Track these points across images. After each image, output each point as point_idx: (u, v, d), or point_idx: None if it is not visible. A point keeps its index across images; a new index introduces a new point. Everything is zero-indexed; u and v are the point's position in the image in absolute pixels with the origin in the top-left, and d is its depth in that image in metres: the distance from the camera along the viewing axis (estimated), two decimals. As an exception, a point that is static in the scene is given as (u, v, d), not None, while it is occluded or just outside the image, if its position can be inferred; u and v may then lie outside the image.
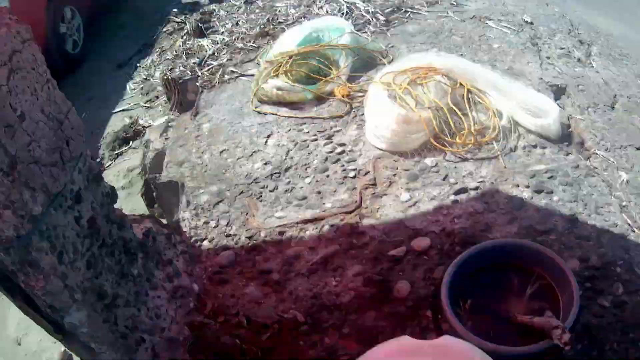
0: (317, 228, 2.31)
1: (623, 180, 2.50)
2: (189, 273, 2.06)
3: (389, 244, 2.22)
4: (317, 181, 2.54)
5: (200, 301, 1.99)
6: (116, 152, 2.96)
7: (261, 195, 2.50)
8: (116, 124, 3.54)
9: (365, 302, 2.02)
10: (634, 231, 2.24)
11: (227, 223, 2.36)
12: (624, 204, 2.40)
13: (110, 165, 2.80)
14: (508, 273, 1.81)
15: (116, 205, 1.83)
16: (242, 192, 2.52)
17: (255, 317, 1.91)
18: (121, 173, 2.65)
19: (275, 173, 2.61)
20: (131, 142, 3.19)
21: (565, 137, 2.65)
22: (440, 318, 1.72)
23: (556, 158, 2.53)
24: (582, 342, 1.86)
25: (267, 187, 2.54)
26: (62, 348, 1.92)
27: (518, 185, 2.41)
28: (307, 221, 2.33)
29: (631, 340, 1.89)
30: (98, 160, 2.79)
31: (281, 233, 2.30)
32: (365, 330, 1.92)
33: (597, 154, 2.60)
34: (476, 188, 2.43)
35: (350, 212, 2.35)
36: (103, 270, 1.54)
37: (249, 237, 2.28)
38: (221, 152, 2.81)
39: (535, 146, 2.60)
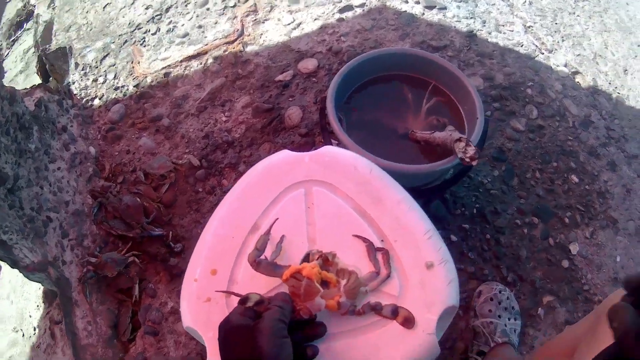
0: (201, 63, 2.21)
1: (526, 1, 2.31)
2: (84, 137, 2.01)
3: (275, 70, 2.13)
4: (197, 16, 2.41)
5: (98, 164, 1.96)
6: (12, 39, 2.79)
7: (144, 41, 2.36)
8: (10, 11, 3.30)
9: (258, 135, 1.98)
10: (542, 53, 2.16)
11: (115, 76, 2.25)
12: (528, 24, 2.31)
13: (8, 54, 2.67)
14: (401, 87, 1.67)
15: (18, 87, 1.76)
16: (126, 42, 2.38)
17: (151, 169, 1.88)
18: (18, 58, 2.51)
19: (156, 15, 2.45)
20: (25, 24, 2.98)
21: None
22: (334, 143, 1.64)
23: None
24: (500, 168, 1.84)
25: (149, 31, 2.40)
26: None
27: (407, 1, 2.28)
28: (190, 57, 2.22)
29: (555, 169, 1.86)
30: None
31: (167, 75, 2.20)
32: (261, 166, 1.89)
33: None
34: (362, 5, 2.31)
35: (233, 42, 2.24)
36: (1, 152, 1.49)
37: (136, 86, 2.18)
38: (104, 7, 2.62)
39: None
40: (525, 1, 2.41)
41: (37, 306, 1.74)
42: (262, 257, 0.91)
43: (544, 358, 1.20)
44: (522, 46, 2.22)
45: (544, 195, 1.85)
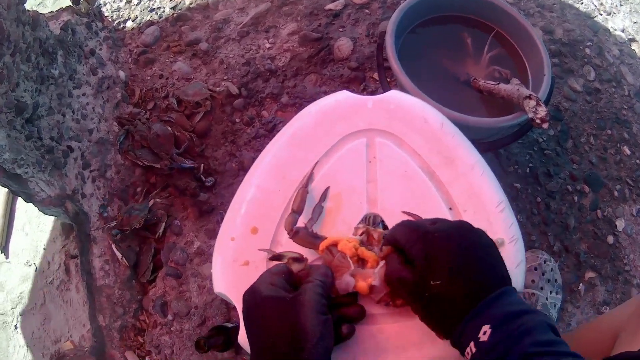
0: (245, -15, 2.05)
1: None
2: (114, 60, 1.88)
3: (325, -3, 1.96)
4: None
5: (127, 89, 1.84)
6: None
7: (184, -41, 2.19)
8: None
9: (304, 65, 1.85)
10: (601, 14, 2.03)
11: (150, -4, 2.10)
12: None
13: None
14: (462, 30, 1.53)
15: (44, 12, 1.63)
16: (163, -41, 2.21)
17: (185, 96, 1.76)
18: (47, -21, 2.37)
19: None
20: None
21: None
22: (389, 81, 1.51)
23: None
24: (555, 128, 1.73)
25: (189, -53, 2.22)
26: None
27: None
28: (234, -22, 2.05)
29: (609, 137, 1.76)
30: None
31: (207, -4, 2.05)
32: (305, 98, 1.78)
33: None
34: None
35: (278, -38, 2.05)
36: (20, 80, 1.36)
37: (173, 7, 2.04)
38: None
39: None
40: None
41: (53, 239, 1.65)
42: (301, 224, 0.79)
43: (582, 342, 1.13)
44: (582, 3, 2.08)
45: (597, 163, 1.75)
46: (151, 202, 1.58)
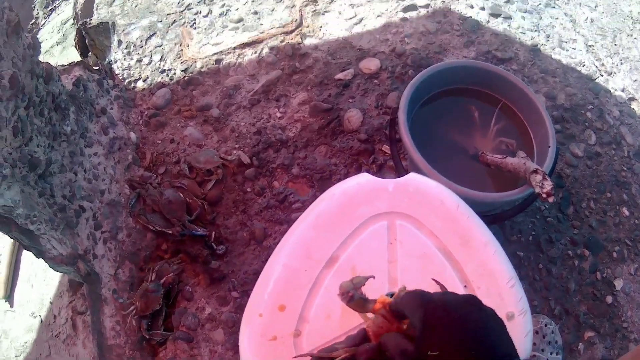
0: (256, 52, 2.13)
1: (587, 18, 2.27)
2: (125, 121, 1.91)
3: (335, 67, 2.05)
4: (253, 1, 2.31)
5: (138, 152, 1.87)
6: (49, 8, 2.71)
7: (194, 23, 2.27)
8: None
9: (315, 136, 1.90)
10: (602, 75, 2.12)
11: (161, 57, 2.17)
12: (589, 43, 2.25)
13: (44, 23, 2.58)
14: (469, 102, 1.59)
15: (52, 62, 1.64)
16: (174, 22, 2.29)
17: (197, 162, 1.80)
18: (55, 28, 2.42)
19: (208, -5, 2.36)
20: (62, -7, 2.89)
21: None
22: (400, 154, 1.57)
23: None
24: (557, 195, 1.79)
25: (200, 12, 2.31)
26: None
27: (472, 7, 2.22)
28: (244, 45, 2.14)
29: (608, 200, 1.82)
30: (32, 21, 2.56)
31: (218, 61, 2.12)
32: (316, 170, 1.82)
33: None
34: (426, 5, 2.24)
35: (291, 32, 2.15)
36: (33, 134, 1.37)
37: (184, 70, 2.10)
38: (152, -19, 2.52)
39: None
40: (587, 18, 2.34)
41: (60, 293, 1.66)
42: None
43: None
44: (583, 66, 2.15)
45: (596, 226, 1.80)
46: (163, 279, 1.59)
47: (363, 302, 0.75)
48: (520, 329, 0.88)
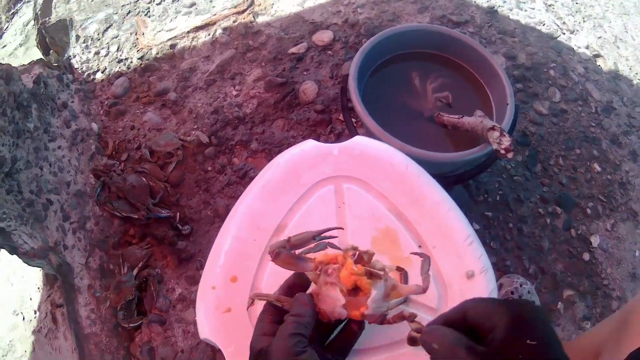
0: (209, 34, 2.10)
1: None
2: (86, 113, 1.91)
3: (288, 42, 2.04)
4: None
5: (101, 141, 1.86)
6: (11, 12, 2.67)
7: (149, 11, 2.25)
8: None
9: (271, 110, 1.88)
10: (564, 33, 2.10)
11: (118, 48, 2.13)
12: (549, 2, 2.25)
13: (7, 27, 2.55)
14: (423, 66, 1.56)
15: (17, 63, 1.67)
16: (129, 12, 2.26)
17: (157, 146, 1.78)
18: (17, 31, 2.39)
19: (161, -17, 2.32)
20: (24, -5, 2.85)
21: None
22: (355, 122, 1.53)
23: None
24: (523, 154, 1.78)
25: (154, 0, 2.29)
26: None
27: None
28: (198, 28, 2.12)
29: (578, 156, 1.80)
30: None
31: (173, 46, 2.09)
32: (274, 144, 1.81)
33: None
34: None
35: (243, 12, 2.13)
36: None
37: (141, 58, 2.07)
38: (106, -25, 2.48)
39: None
40: (545, -22, 2.31)
41: (38, 288, 1.66)
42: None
43: None
44: (543, 25, 2.14)
45: (567, 183, 1.79)
46: (135, 271, 1.60)
47: (295, 260, 0.72)
48: (482, 287, 0.84)
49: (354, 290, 0.68)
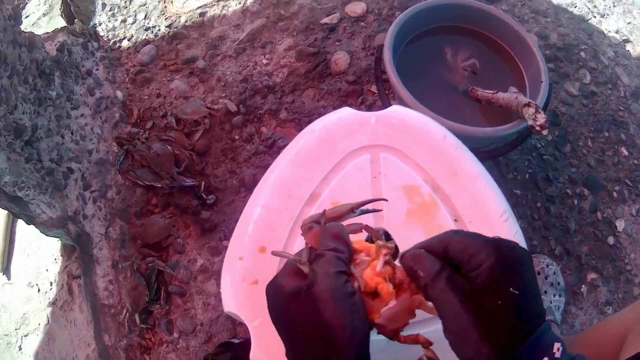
0: (240, 3, 2.07)
1: None
2: (111, 80, 1.89)
3: (320, 12, 2.01)
4: None
5: (125, 109, 1.85)
6: None
7: (178, -23, 2.21)
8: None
9: (302, 80, 1.86)
10: (594, 16, 2.06)
11: (145, 16, 2.11)
12: None
13: None
14: (458, 40, 1.54)
15: (39, 32, 1.64)
16: (158, -22, 2.22)
17: (184, 114, 1.77)
18: (41, 1, 2.37)
19: (191, -52, 2.27)
20: (47, -34, 2.81)
21: None
22: (388, 93, 1.51)
23: None
24: (553, 133, 1.76)
25: (184, -34, 2.24)
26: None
27: None
28: (228, -4, 2.07)
29: (606, 139, 1.78)
30: None
31: (202, 14, 2.06)
32: (304, 113, 1.79)
33: None
34: None
35: (275, -21, 2.07)
36: (18, 102, 1.36)
37: (169, 26, 2.05)
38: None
39: None
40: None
41: (55, 259, 1.66)
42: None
43: (590, 345, 1.13)
44: (575, 7, 2.10)
45: (595, 165, 1.77)
46: (137, 270, 1.58)
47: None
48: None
49: (373, 294, 0.59)
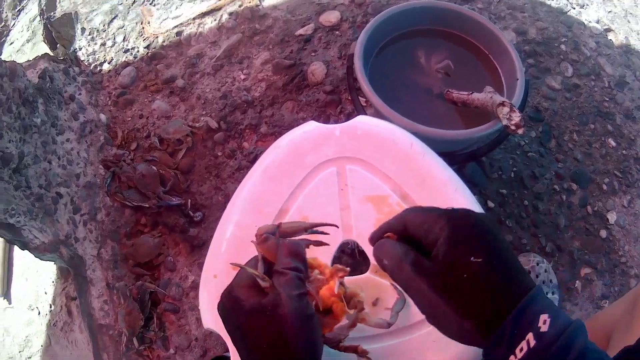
0: (215, 19, 2.07)
1: None
2: (94, 104, 1.90)
3: (295, 23, 2.00)
4: None
5: (110, 132, 1.85)
6: (17, 9, 2.67)
7: (154, 0, 2.21)
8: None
9: (280, 93, 1.86)
10: (573, 7, 2.05)
11: (124, 38, 2.11)
12: None
13: (14, 24, 2.56)
14: (432, 43, 1.52)
15: (24, 59, 1.67)
16: (134, 2, 2.22)
17: (166, 134, 1.77)
18: (24, 27, 2.38)
19: (166, -29, 2.29)
20: (29, -9, 2.83)
21: None
22: (365, 101, 1.51)
23: None
24: (537, 129, 1.75)
25: (159, -12, 2.25)
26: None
27: None
28: (204, 14, 2.08)
29: (592, 131, 1.77)
30: (2, 24, 2.52)
31: (179, 34, 2.06)
32: (284, 126, 1.79)
33: None
34: None
35: (248, -5, 2.08)
36: (3, 131, 1.39)
37: (147, 47, 2.05)
38: (109, -32, 2.45)
39: None
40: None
41: (53, 282, 1.68)
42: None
43: None
44: (553, 0, 2.08)
45: (582, 159, 1.75)
46: (129, 294, 1.59)
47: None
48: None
49: (325, 311, 0.62)
